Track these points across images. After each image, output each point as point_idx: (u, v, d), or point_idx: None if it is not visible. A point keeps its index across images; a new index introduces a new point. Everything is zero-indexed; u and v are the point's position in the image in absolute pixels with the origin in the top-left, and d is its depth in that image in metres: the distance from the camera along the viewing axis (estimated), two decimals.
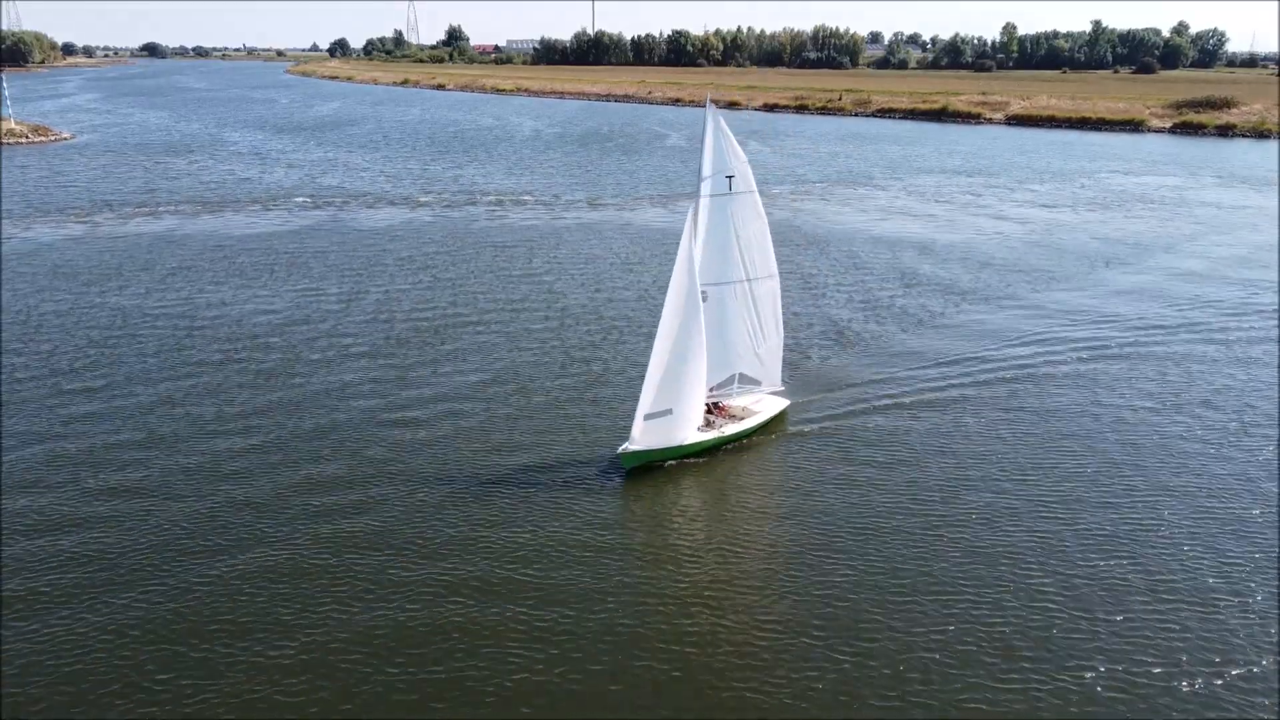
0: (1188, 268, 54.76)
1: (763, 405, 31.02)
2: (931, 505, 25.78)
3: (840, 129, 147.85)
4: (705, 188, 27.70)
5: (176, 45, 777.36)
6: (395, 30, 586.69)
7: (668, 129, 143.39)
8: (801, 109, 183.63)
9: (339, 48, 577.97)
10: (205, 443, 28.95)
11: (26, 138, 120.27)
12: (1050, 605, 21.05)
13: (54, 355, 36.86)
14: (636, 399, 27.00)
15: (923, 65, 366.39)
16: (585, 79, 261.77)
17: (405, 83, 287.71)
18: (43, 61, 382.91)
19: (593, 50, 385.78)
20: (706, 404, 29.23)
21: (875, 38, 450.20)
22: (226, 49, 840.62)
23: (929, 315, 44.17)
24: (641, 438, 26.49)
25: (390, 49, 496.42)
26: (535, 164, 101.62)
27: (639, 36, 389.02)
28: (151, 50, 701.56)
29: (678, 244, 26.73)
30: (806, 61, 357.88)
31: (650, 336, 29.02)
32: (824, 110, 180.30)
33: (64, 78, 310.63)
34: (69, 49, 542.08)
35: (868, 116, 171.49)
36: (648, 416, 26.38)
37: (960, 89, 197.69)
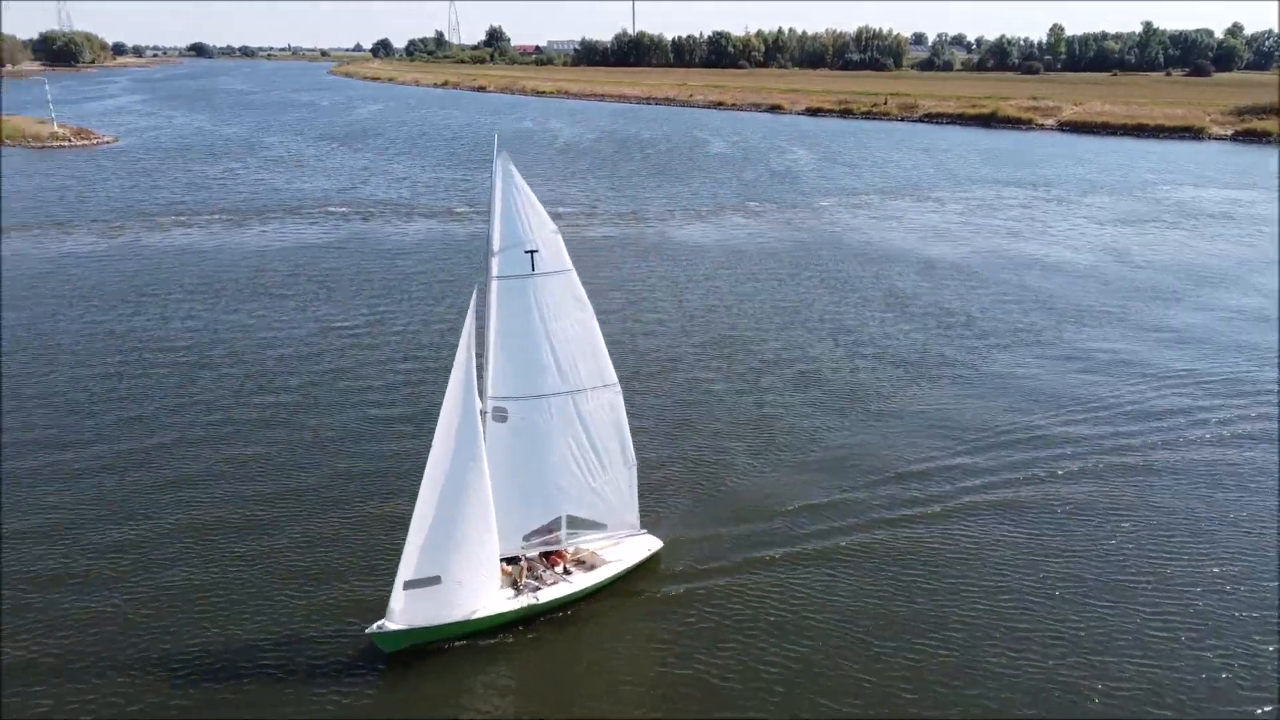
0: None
1: (625, 549, 23.10)
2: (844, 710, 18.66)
3: (888, 135, 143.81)
4: (495, 265, 20.68)
5: (223, 45, 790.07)
6: (436, 31, 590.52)
7: (711, 135, 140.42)
8: (846, 113, 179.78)
9: (381, 48, 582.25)
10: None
11: (69, 141, 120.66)
12: None
13: (52, 396, 35.09)
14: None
15: (968, 67, 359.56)
16: (625, 81, 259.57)
17: (446, 84, 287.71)
18: (93, 62, 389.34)
19: (633, 51, 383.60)
20: (539, 554, 22.54)
21: (919, 39, 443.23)
22: (272, 49, 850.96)
23: (915, 397, 35.16)
24: (402, 613, 19.75)
25: (432, 49, 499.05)
26: (572, 173, 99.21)
27: (679, 37, 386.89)
28: (199, 50, 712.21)
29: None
30: (849, 63, 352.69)
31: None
32: (869, 115, 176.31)
33: (112, 78, 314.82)
34: (119, 49, 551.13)
35: (914, 122, 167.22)
36: (409, 584, 19.77)
37: (1008, 93, 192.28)
